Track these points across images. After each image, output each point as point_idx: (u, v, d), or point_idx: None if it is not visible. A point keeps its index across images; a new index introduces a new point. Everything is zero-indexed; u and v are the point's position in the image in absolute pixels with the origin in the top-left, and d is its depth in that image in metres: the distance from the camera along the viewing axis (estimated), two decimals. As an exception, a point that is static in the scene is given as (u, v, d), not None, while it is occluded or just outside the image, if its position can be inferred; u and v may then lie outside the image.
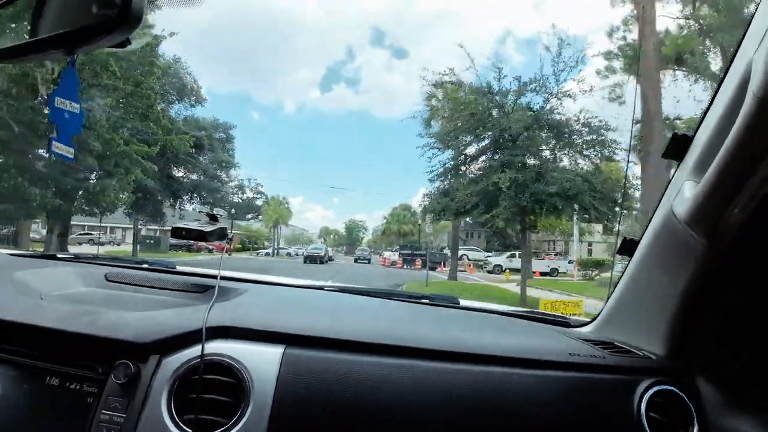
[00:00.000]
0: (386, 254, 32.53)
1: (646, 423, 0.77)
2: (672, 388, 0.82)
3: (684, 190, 0.76)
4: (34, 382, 0.73)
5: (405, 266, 25.21)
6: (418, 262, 23.91)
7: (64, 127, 0.76)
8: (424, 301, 1.24)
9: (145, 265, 1.27)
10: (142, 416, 0.67)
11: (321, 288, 1.29)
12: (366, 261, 32.72)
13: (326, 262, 25.41)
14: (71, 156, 0.79)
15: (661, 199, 0.85)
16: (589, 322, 1.11)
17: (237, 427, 0.67)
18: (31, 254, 1.35)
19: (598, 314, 1.09)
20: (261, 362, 0.73)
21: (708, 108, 0.77)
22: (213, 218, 0.96)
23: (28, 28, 0.68)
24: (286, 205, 39.80)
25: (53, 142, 0.78)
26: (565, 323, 1.17)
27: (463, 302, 1.28)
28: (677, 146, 0.82)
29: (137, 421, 0.67)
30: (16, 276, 0.93)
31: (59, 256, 1.30)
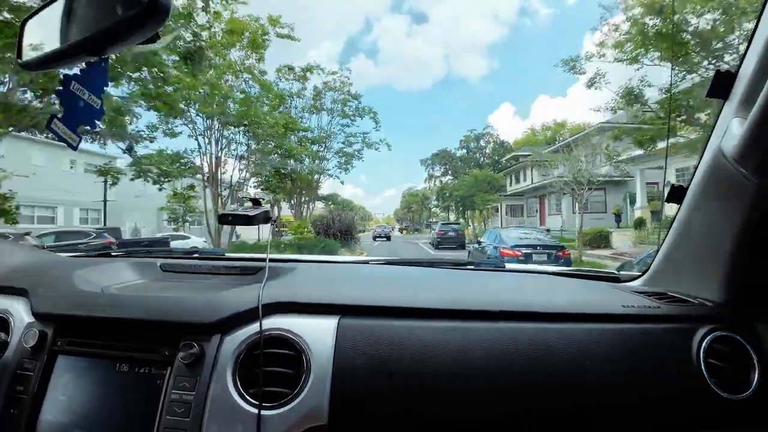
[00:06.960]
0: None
1: (705, 370, 0.76)
2: (731, 334, 0.80)
3: (732, 128, 0.73)
4: (104, 371, 0.77)
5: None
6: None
7: (74, 113, 0.72)
8: (469, 267, 1.25)
9: (196, 255, 1.34)
10: (210, 392, 0.71)
11: (366, 262, 1.33)
12: (386, 238, 30.21)
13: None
14: (74, 143, 0.72)
15: (708, 141, 0.81)
16: (640, 275, 1.09)
17: (301, 396, 0.70)
18: (87, 255, 1.44)
19: (649, 266, 1.06)
20: (318, 333, 0.76)
21: (750, 40, 0.73)
22: (256, 202, 0.98)
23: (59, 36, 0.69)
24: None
25: (54, 120, 0.71)
26: (615, 278, 1.15)
27: (509, 265, 1.28)
28: (722, 83, 0.78)
29: (206, 398, 0.71)
30: (77, 274, 0.98)
31: (113, 254, 1.39)
